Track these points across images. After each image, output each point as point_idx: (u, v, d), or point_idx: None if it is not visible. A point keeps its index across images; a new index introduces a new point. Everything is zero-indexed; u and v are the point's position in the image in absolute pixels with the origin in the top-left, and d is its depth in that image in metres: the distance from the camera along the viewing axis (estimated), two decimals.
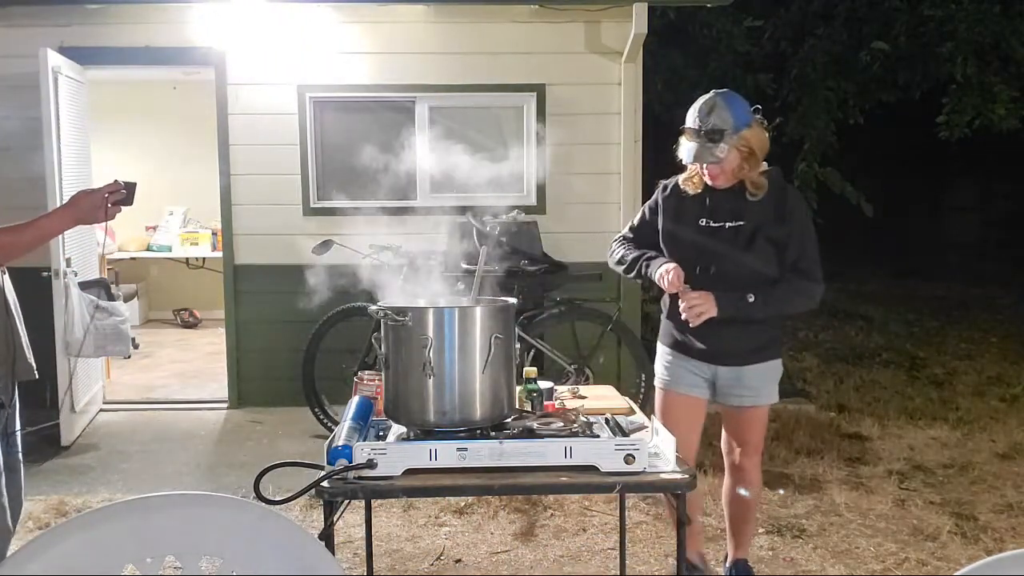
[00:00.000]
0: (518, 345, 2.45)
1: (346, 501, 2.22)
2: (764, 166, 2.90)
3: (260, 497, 2.06)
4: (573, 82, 5.92)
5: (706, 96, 2.86)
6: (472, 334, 2.25)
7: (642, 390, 5.00)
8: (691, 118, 2.85)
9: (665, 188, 3.06)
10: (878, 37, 8.42)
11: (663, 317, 3.14)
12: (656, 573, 3.46)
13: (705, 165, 2.85)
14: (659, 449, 2.27)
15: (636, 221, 3.15)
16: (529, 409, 2.52)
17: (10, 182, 5.54)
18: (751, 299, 2.81)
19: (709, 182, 2.89)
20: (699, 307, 2.79)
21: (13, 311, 2.75)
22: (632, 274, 3.04)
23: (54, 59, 4.97)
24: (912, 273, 12.95)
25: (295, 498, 2.05)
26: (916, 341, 8.20)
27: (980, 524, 3.89)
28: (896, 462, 4.74)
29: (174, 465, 4.80)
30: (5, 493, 2.63)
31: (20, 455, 2.79)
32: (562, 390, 2.78)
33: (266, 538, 1.43)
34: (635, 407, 2.78)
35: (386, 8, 5.77)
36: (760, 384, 2.97)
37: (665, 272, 2.85)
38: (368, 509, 3.12)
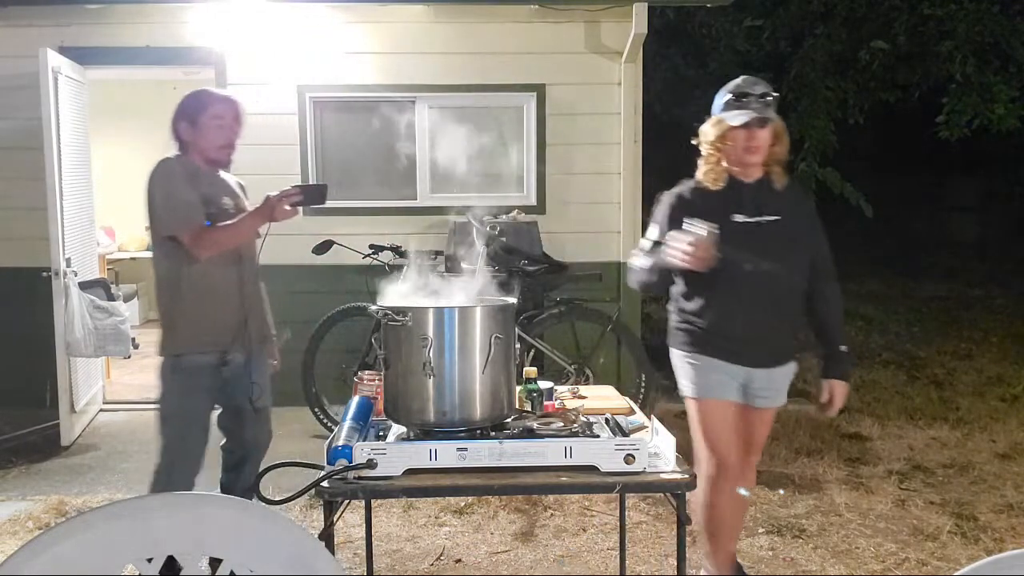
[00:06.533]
0: (518, 345, 2.45)
1: (346, 501, 2.22)
2: None
3: (260, 497, 2.06)
4: (573, 82, 5.92)
5: (743, 76, 2.78)
6: (472, 334, 2.25)
7: (642, 390, 5.00)
8: (737, 86, 2.72)
9: (679, 196, 2.81)
10: (877, 36, 8.42)
11: (677, 320, 2.91)
12: (656, 573, 3.46)
13: (747, 144, 2.69)
14: (659, 449, 2.28)
15: (653, 236, 2.83)
16: (529, 409, 2.52)
17: (10, 182, 5.55)
18: (844, 349, 2.99)
19: (750, 159, 2.72)
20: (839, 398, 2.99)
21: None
22: (656, 278, 2.79)
23: (54, 59, 4.96)
24: (912, 273, 12.93)
25: (295, 498, 2.05)
26: (916, 341, 8.20)
27: (980, 524, 3.89)
28: (896, 462, 4.74)
29: None
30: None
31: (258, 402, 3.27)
32: (562, 390, 2.78)
33: (266, 538, 1.43)
34: (635, 407, 2.78)
35: (386, 8, 5.77)
36: (783, 385, 3.01)
37: (682, 244, 2.55)
38: (368, 509, 3.13)
